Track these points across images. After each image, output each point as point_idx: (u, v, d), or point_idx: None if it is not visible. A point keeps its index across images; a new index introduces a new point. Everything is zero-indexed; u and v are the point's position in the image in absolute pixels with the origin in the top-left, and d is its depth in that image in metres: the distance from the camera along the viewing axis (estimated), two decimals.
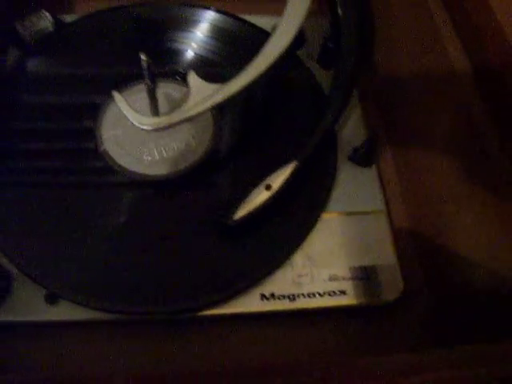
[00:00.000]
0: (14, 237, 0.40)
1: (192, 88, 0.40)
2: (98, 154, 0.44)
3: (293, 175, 0.41)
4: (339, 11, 0.48)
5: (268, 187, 0.40)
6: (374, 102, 0.52)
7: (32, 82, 0.49)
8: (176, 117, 0.38)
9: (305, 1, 0.43)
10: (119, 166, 0.43)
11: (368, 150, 0.46)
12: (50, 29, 0.52)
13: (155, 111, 0.43)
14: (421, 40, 0.43)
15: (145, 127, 0.38)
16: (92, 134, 0.45)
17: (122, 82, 0.48)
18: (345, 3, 0.49)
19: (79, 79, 0.49)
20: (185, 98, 0.40)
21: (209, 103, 0.39)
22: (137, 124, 0.38)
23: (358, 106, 0.51)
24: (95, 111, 0.46)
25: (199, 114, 0.39)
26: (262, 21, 0.54)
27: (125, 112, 0.38)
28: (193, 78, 0.40)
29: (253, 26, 0.52)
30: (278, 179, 0.41)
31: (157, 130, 0.38)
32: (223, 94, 0.39)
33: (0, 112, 0.46)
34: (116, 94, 0.39)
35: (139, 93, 0.46)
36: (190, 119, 0.39)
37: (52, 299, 0.39)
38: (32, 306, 0.39)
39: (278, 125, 0.48)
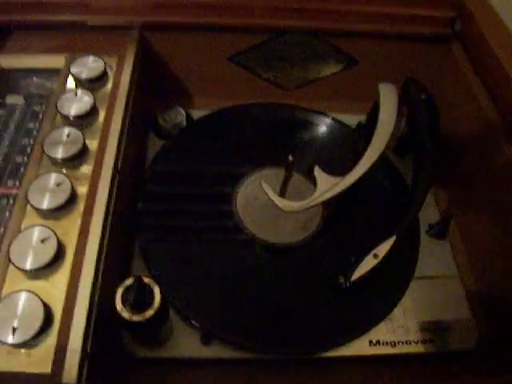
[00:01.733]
0: (176, 286, 0.49)
1: (318, 179, 0.51)
2: (241, 228, 0.55)
3: (393, 246, 0.52)
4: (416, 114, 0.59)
5: (375, 256, 0.51)
6: (441, 183, 0.63)
7: (177, 162, 0.61)
8: (310, 202, 0.50)
9: (394, 105, 0.55)
10: (258, 237, 0.54)
11: (444, 225, 0.57)
12: (184, 123, 0.64)
13: (282, 194, 0.54)
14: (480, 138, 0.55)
15: (287, 209, 0.49)
16: (229, 210, 0.56)
17: (250, 166, 0.60)
18: (420, 106, 0.60)
19: (211, 166, 0.61)
20: (303, 184, 0.54)
21: (334, 192, 0.50)
22: (281, 206, 0.49)
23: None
24: (229, 189, 0.58)
25: (327, 201, 0.50)
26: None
27: (271, 196, 0.50)
28: (318, 172, 0.51)
29: (351, 128, 0.65)
30: (383, 250, 0.51)
31: (294, 212, 0.49)
32: (344, 185, 0.51)
33: (156, 182, 0.57)
34: (263, 183, 0.50)
35: (259, 178, 0.58)
36: (319, 204, 0.50)
37: (206, 339, 0.49)
38: (188, 345, 0.49)
39: (369, 205, 0.59)
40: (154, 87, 0.65)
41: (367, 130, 0.61)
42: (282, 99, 0.68)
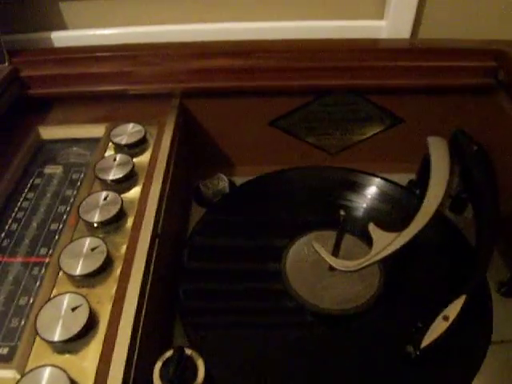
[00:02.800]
0: (219, 360, 0.42)
1: (374, 236, 0.45)
2: (286, 291, 0.48)
3: (464, 307, 0.44)
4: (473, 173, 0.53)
5: (445, 318, 0.43)
6: (506, 235, 0.55)
7: (219, 231, 0.56)
8: (367, 261, 0.43)
9: (446, 158, 0.50)
10: (310, 303, 0.47)
11: None
12: (227, 190, 0.60)
13: (336, 255, 0.48)
14: None
15: (342, 268, 0.42)
16: (277, 273, 0.50)
17: (298, 232, 0.54)
18: (472, 158, 0.54)
19: (256, 230, 0.56)
20: (357, 247, 0.48)
21: (391, 249, 0.44)
22: (335, 266, 0.43)
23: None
24: (277, 252, 0.52)
25: (385, 259, 0.43)
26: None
27: (323, 255, 0.43)
28: (373, 228, 0.45)
29: (402, 187, 0.59)
30: (454, 311, 0.43)
31: (350, 271, 0.43)
32: (401, 241, 0.44)
33: (198, 251, 0.52)
34: (315, 243, 0.44)
35: (309, 241, 0.53)
36: (376, 263, 0.43)
37: None
38: None
39: (431, 265, 0.52)
40: (195, 154, 0.63)
41: (419, 187, 0.57)
42: (326, 163, 0.64)
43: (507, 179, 0.54)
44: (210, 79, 0.57)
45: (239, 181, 0.63)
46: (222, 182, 0.60)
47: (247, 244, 0.53)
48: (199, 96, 0.58)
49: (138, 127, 0.52)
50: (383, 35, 0.59)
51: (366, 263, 0.43)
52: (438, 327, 0.42)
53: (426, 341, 0.41)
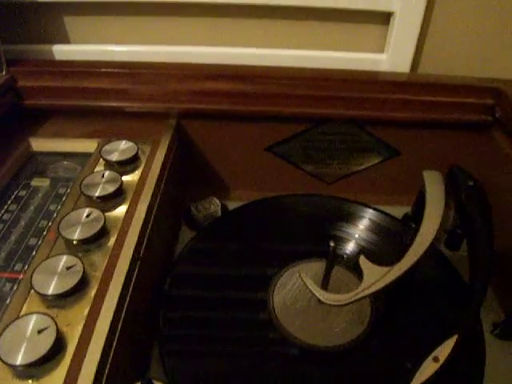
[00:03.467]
0: None
1: (364, 269, 0.42)
2: (272, 323, 0.45)
3: (456, 348, 0.40)
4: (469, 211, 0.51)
5: (436, 359, 0.40)
6: (501, 274, 0.52)
7: (206, 257, 0.53)
8: (356, 295, 0.40)
9: (441, 192, 0.48)
10: (298, 339, 0.44)
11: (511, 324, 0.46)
12: (218, 213, 0.57)
13: (325, 287, 0.45)
14: None
15: (330, 302, 0.39)
16: (263, 303, 0.47)
17: (288, 261, 0.51)
18: (468, 194, 0.51)
19: (245, 258, 0.53)
20: (349, 280, 0.46)
21: (382, 283, 0.41)
22: (323, 299, 0.40)
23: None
24: (265, 282, 0.49)
25: (375, 294, 0.40)
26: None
27: (311, 288, 0.40)
28: (363, 261, 0.43)
29: (397, 220, 0.56)
30: (445, 351, 0.40)
31: (338, 305, 0.40)
32: (393, 276, 0.41)
33: (184, 278, 0.50)
34: (303, 274, 0.41)
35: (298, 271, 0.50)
36: (365, 298, 0.40)
37: None
38: None
39: (423, 302, 0.49)
40: (189, 176, 0.60)
41: (414, 221, 0.54)
42: (322, 192, 0.61)
43: (503, 217, 0.51)
44: (208, 101, 0.55)
45: (232, 205, 0.60)
46: (214, 206, 0.57)
47: (234, 272, 0.50)
48: (197, 117, 0.56)
49: (131, 145, 0.50)
50: (383, 68, 0.57)
51: (355, 298, 0.40)
52: (427, 369, 0.39)
53: (415, 383, 0.38)
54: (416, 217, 0.53)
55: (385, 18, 0.56)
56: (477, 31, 0.56)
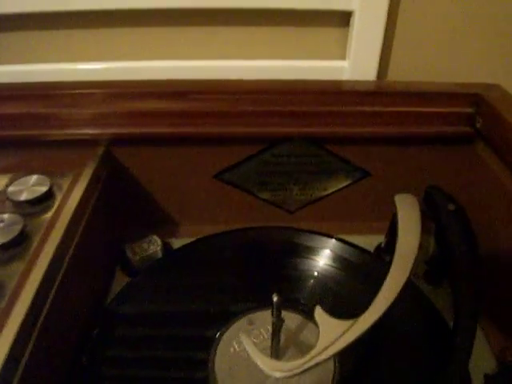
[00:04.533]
0: None
1: (321, 325, 0.33)
2: None
3: None
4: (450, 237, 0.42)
5: None
6: (490, 313, 0.43)
7: (138, 310, 0.44)
8: (306, 363, 0.31)
9: (416, 220, 0.40)
10: None
11: (506, 378, 0.37)
12: (159, 255, 0.48)
13: (277, 349, 0.35)
14: None
15: (276, 375, 0.30)
16: (204, 365, 0.38)
17: (232, 313, 0.43)
18: (449, 220, 0.43)
19: (188, 309, 0.45)
20: (307, 334, 0.38)
21: (341, 344, 0.32)
22: (267, 371, 0.30)
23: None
24: (206, 342, 0.40)
25: (331, 357, 0.31)
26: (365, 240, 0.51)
27: (252, 354, 0.31)
28: (320, 315, 0.34)
29: (369, 253, 0.47)
30: None
31: (287, 377, 0.31)
32: (356, 333, 0.33)
33: (113, 337, 0.40)
34: (244, 337, 0.32)
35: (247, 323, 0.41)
36: (321, 363, 0.31)
37: None
38: None
39: (399, 353, 0.40)
40: (124, 211, 0.52)
41: (388, 253, 0.46)
42: (282, 221, 0.53)
43: (490, 241, 0.43)
44: (143, 124, 0.46)
45: (180, 243, 0.51)
46: (154, 246, 0.48)
47: (171, 328, 0.41)
48: (130, 143, 0.48)
49: (44, 180, 0.41)
50: (346, 77, 0.49)
51: (306, 366, 0.31)
52: None
53: None
54: (390, 248, 0.45)
55: (344, 18, 0.48)
56: (454, 29, 0.48)
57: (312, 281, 0.46)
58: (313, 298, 0.44)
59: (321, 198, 0.53)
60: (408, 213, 0.42)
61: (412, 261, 0.38)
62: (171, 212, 0.54)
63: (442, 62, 0.50)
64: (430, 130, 0.46)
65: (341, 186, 0.52)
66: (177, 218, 0.54)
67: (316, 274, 0.47)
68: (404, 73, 0.50)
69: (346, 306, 0.42)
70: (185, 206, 0.53)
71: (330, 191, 0.52)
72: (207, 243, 0.49)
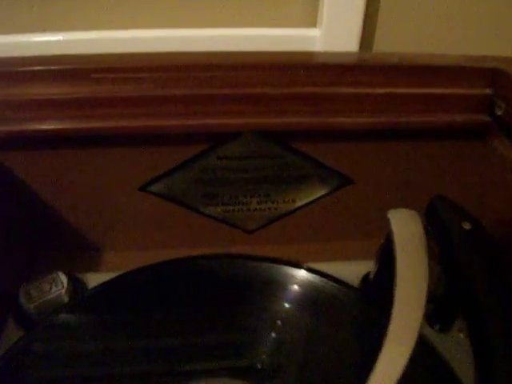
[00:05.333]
0: None
1: None
2: None
3: None
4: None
5: None
6: None
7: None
8: None
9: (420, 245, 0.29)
10: None
11: None
12: (64, 300, 0.33)
13: None
14: None
15: None
16: None
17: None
18: (464, 244, 0.31)
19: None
20: None
21: None
22: None
23: None
24: None
25: None
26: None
27: None
28: None
29: (353, 288, 0.34)
30: None
31: None
32: None
33: None
34: None
35: None
36: None
37: None
38: None
39: None
40: (24, 238, 0.38)
41: (378, 287, 0.35)
42: (237, 245, 0.39)
43: None
44: (31, 118, 0.31)
45: (98, 279, 0.36)
46: (58, 287, 0.34)
47: None
48: (17, 146, 0.32)
49: None
50: (318, 47, 0.34)
51: None
52: None
53: None
54: (381, 281, 0.32)
55: None
56: None
57: (273, 334, 0.31)
58: (274, 360, 0.30)
59: (287, 214, 0.39)
60: (408, 234, 0.29)
61: (421, 310, 0.26)
62: (88, 237, 0.39)
63: (447, 29, 0.36)
64: (433, 118, 0.33)
65: (313, 197, 0.38)
66: (96, 244, 0.39)
67: (279, 322, 0.32)
68: (396, 42, 0.36)
69: (321, 372, 0.28)
70: (107, 228, 0.39)
71: (298, 204, 0.38)
72: (132, 281, 0.34)
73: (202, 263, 0.37)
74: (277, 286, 0.35)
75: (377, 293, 0.34)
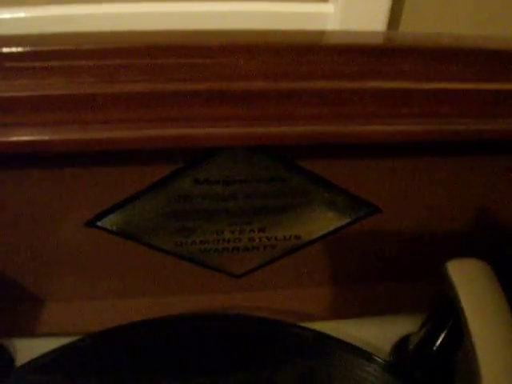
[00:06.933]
0: None
1: None
2: None
3: None
4: None
5: None
6: None
7: None
8: None
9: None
10: None
11: None
12: None
13: None
14: None
15: None
16: None
17: None
18: None
19: None
20: None
21: None
22: None
23: None
24: None
25: None
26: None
27: None
28: None
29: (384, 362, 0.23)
30: None
31: None
32: None
33: None
34: None
35: None
36: None
37: None
38: None
39: None
40: None
41: (422, 358, 0.23)
42: (220, 295, 0.27)
43: None
44: None
45: (31, 352, 0.24)
46: None
47: None
48: None
49: None
50: (332, 26, 0.23)
51: None
52: None
53: None
54: (426, 351, 0.22)
55: None
56: None
57: None
58: None
59: (288, 253, 0.28)
60: (481, 300, 0.18)
61: None
62: (22, 287, 0.27)
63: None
64: (503, 126, 0.21)
65: (325, 231, 0.26)
66: (33, 297, 0.27)
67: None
68: (427, 23, 0.25)
69: None
70: (48, 276, 0.27)
71: (304, 241, 0.27)
72: (89, 349, 0.24)
73: (160, 329, 0.25)
74: (273, 356, 0.24)
75: (421, 368, 0.24)
